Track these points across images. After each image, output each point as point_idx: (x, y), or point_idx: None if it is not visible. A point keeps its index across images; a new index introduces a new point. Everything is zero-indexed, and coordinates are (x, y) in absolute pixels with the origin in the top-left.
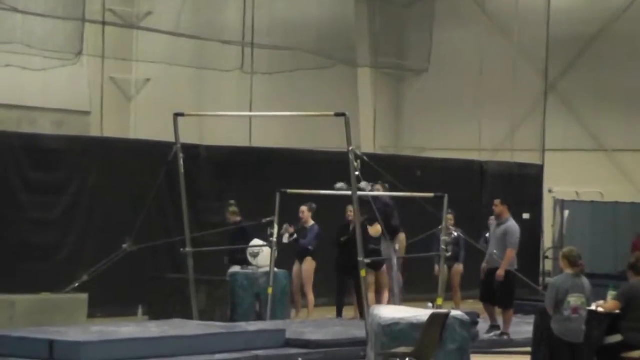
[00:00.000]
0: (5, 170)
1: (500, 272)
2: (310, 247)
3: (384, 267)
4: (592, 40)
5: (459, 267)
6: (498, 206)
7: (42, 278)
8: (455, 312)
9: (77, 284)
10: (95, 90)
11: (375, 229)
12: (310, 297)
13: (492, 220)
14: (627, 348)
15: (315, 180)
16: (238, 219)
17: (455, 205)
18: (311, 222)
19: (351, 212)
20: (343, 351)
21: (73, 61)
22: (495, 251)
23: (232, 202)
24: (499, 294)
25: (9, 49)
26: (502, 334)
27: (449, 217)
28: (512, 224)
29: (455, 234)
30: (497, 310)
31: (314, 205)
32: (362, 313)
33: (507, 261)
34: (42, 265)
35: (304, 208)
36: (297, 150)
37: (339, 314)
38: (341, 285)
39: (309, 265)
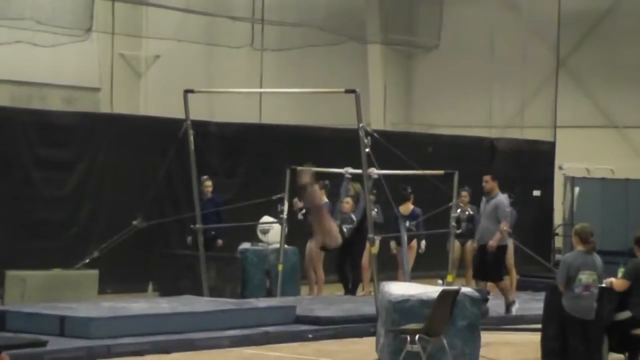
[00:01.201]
0: (16, 146)
1: (492, 244)
2: None
3: (413, 242)
4: (603, 17)
5: (472, 244)
6: (489, 182)
7: (53, 254)
8: (465, 289)
9: (87, 260)
10: (105, 67)
11: (406, 207)
12: (320, 273)
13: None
14: (636, 324)
15: (325, 157)
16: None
17: (466, 182)
18: (325, 200)
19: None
20: (353, 327)
21: (83, 37)
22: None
23: (205, 177)
24: (489, 267)
25: (18, 25)
26: (509, 305)
27: (463, 194)
28: (501, 198)
29: (470, 211)
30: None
31: (327, 182)
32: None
33: (501, 234)
34: (53, 241)
35: (316, 186)
36: (307, 127)
37: (347, 289)
38: (341, 264)
39: (317, 242)
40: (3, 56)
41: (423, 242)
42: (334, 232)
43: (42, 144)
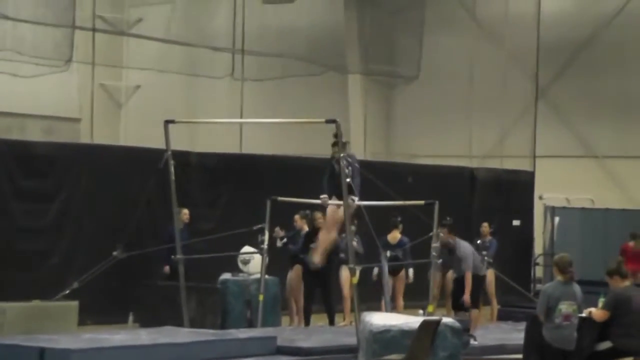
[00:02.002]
0: None
1: (467, 298)
2: (301, 255)
3: (402, 272)
4: (582, 47)
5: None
6: (445, 235)
7: (33, 285)
8: (446, 319)
9: (67, 292)
10: (85, 97)
11: (393, 236)
12: (300, 304)
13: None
14: (617, 354)
15: (306, 187)
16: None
17: (446, 211)
18: (305, 229)
19: (320, 218)
20: (334, 358)
21: (63, 68)
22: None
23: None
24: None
25: None
26: (469, 335)
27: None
28: (463, 245)
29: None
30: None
31: (307, 212)
32: (331, 320)
33: (469, 286)
34: (33, 272)
35: (296, 217)
36: (288, 157)
37: (308, 322)
38: (309, 293)
39: (296, 272)
40: None
41: (411, 271)
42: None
43: (22, 175)
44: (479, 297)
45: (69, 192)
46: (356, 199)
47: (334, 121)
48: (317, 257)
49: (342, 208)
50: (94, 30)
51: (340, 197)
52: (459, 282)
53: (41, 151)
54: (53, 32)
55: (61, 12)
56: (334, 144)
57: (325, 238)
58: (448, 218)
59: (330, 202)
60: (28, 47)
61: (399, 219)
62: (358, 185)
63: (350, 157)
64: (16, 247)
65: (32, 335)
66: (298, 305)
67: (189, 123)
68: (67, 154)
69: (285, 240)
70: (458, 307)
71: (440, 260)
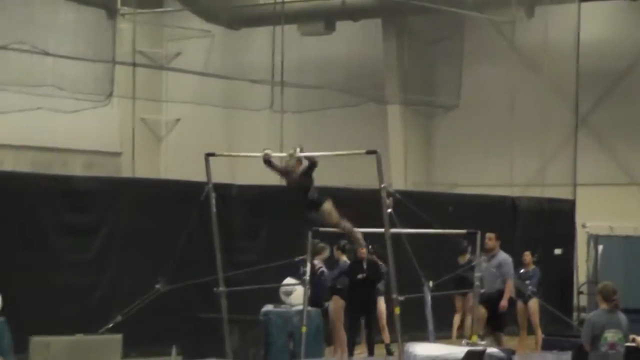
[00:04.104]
0: (38, 212)
1: (503, 304)
2: (338, 286)
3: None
4: (622, 75)
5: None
6: (492, 240)
7: (76, 319)
8: (490, 349)
9: (111, 325)
10: (125, 131)
11: (464, 259)
12: (341, 335)
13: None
14: None
15: (347, 218)
16: None
17: None
18: (343, 259)
19: (363, 249)
20: None
21: (104, 103)
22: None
23: None
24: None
25: (40, 91)
26: None
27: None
28: (504, 256)
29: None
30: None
31: (343, 244)
32: (371, 350)
33: (508, 292)
34: (76, 306)
35: (335, 248)
36: (329, 188)
37: (351, 353)
38: (354, 324)
39: (335, 303)
40: (24, 123)
41: None
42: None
43: (64, 210)
44: (506, 318)
45: (111, 225)
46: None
47: (374, 152)
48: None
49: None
50: (134, 65)
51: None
52: (487, 301)
53: (83, 186)
54: (94, 67)
55: (101, 47)
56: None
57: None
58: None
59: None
60: (69, 82)
61: (465, 243)
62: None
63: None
64: (59, 281)
65: None
66: (339, 337)
67: (230, 156)
68: (108, 188)
69: (322, 269)
70: (494, 325)
71: (483, 290)
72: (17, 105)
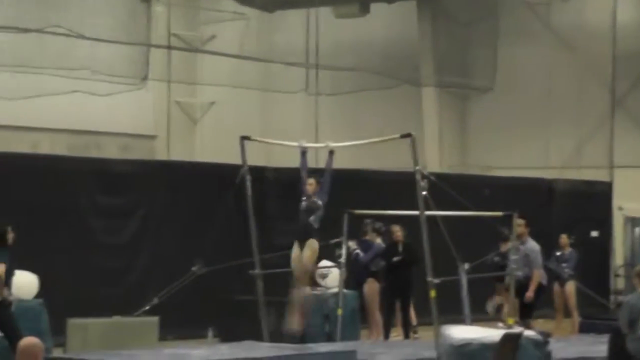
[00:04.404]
0: (75, 195)
1: (529, 295)
2: (372, 268)
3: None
4: None
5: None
6: (521, 226)
7: (113, 301)
8: (527, 332)
9: (147, 307)
10: (160, 114)
11: (505, 245)
12: (377, 317)
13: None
14: None
15: (382, 201)
16: None
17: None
18: (377, 241)
19: (398, 231)
20: None
21: (139, 86)
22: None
23: None
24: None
25: (76, 75)
26: None
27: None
28: (532, 244)
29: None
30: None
31: (378, 226)
32: (407, 333)
33: (534, 283)
34: (113, 289)
35: (368, 229)
36: (364, 170)
37: (387, 335)
38: (390, 307)
39: (370, 286)
40: (60, 106)
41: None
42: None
43: (100, 192)
44: (535, 304)
45: (146, 208)
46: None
47: (409, 135)
48: (294, 322)
49: (305, 256)
50: (169, 47)
51: (302, 238)
52: (520, 286)
53: (119, 168)
54: (129, 50)
55: (137, 31)
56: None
57: (298, 296)
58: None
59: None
60: (104, 65)
61: (507, 231)
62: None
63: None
64: (96, 263)
65: (113, 351)
66: (374, 319)
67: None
68: (144, 170)
69: (357, 251)
70: (521, 313)
71: (520, 273)
72: (53, 89)
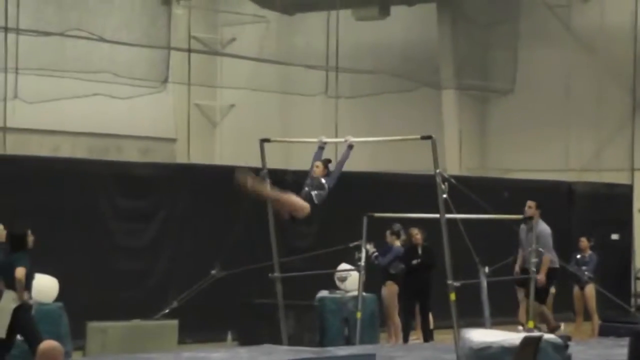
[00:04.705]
0: (95, 198)
1: (541, 277)
2: (391, 271)
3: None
4: None
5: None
6: (532, 208)
7: (133, 305)
8: (547, 335)
9: (167, 311)
10: (180, 117)
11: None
12: (396, 320)
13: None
14: None
15: (402, 203)
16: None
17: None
18: (396, 244)
19: (417, 234)
20: None
21: (159, 89)
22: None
23: None
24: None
25: (96, 77)
26: (552, 329)
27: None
28: (543, 227)
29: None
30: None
31: (396, 227)
32: (426, 336)
33: (545, 265)
34: (133, 292)
35: (387, 232)
36: (384, 173)
37: (406, 339)
38: (409, 310)
39: (389, 288)
40: (81, 109)
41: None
42: (297, 202)
43: (120, 195)
44: (548, 291)
45: (166, 211)
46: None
47: (429, 137)
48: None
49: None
50: (189, 50)
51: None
52: (525, 273)
53: (139, 171)
54: (149, 53)
55: (157, 33)
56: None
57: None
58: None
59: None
60: (124, 68)
61: None
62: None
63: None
64: (116, 266)
65: (133, 354)
66: (393, 322)
67: (284, 142)
68: (164, 173)
69: (376, 253)
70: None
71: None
72: (74, 92)
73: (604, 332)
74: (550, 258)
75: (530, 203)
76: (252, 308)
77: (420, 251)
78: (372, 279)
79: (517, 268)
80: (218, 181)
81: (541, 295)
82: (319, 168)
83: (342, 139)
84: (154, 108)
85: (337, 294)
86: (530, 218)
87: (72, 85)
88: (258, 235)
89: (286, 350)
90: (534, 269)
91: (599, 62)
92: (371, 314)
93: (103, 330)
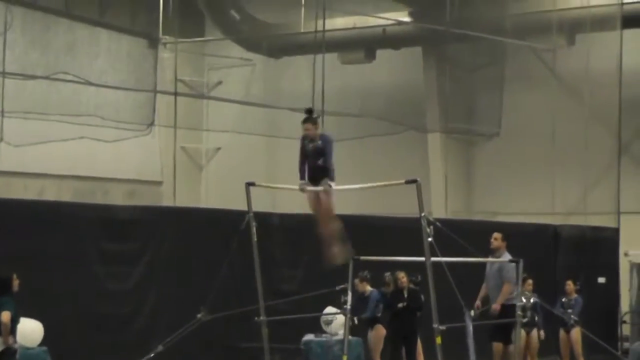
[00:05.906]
0: (80, 241)
1: (496, 307)
2: (377, 314)
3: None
4: None
5: (536, 333)
6: (498, 240)
7: (118, 349)
8: None
9: (152, 355)
10: (166, 160)
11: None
12: None
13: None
14: None
15: (389, 247)
16: None
17: (529, 270)
18: (369, 290)
19: (403, 277)
20: None
21: (145, 132)
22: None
23: None
24: (498, 328)
25: (82, 121)
26: None
27: (528, 282)
28: (508, 258)
29: (534, 299)
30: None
31: (365, 274)
32: None
33: (503, 296)
34: (117, 335)
35: (356, 281)
36: (369, 216)
37: None
38: (395, 353)
39: (377, 332)
40: (67, 152)
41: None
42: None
43: (106, 238)
44: (511, 329)
45: (152, 254)
46: (333, 184)
47: (414, 181)
48: (337, 254)
49: (324, 202)
50: (175, 94)
51: (313, 180)
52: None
53: (124, 215)
54: (135, 96)
55: (143, 76)
56: (305, 120)
57: (328, 230)
58: None
59: (309, 188)
60: (111, 111)
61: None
62: (332, 165)
63: (324, 137)
64: (101, 310)
65: None
66: None
67: (270, 187)
68: (149, 217)
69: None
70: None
71: (526, 319)
72: (60, 135)
73: None
74: (511, 290)
75: (496, 235)
76: (238, 352)
77: (406, 294)
78: (358, 323)
79: (478, 301)
80: (204, 224)
81: (503, 333)
82: (310, 130)
83: (320, 188)
84: (140, 151)
85: (323, 338)
86: (496, 249)
87: (58, 128)
88: (244, 278)
89: None
90: (519, 312)
91: (585, 106)
92: (357, 358)
93: None
